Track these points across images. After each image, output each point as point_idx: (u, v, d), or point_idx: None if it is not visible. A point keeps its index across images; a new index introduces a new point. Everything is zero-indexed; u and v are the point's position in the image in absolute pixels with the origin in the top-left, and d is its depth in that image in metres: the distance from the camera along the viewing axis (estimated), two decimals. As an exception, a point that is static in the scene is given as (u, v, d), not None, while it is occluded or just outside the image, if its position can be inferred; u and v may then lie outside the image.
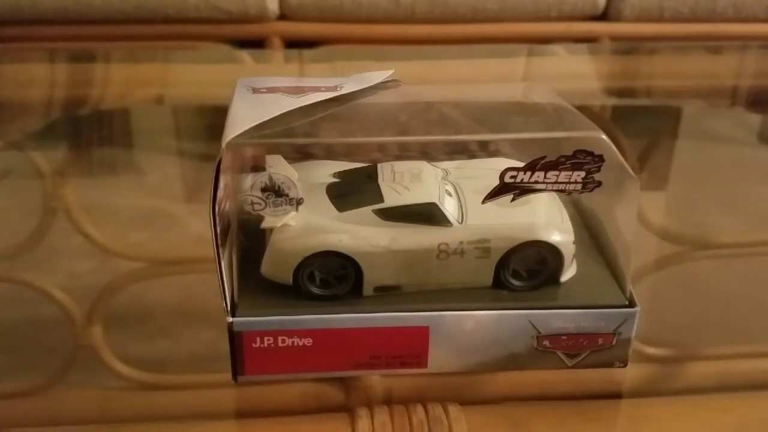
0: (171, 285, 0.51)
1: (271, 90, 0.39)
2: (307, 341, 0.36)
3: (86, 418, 0.38)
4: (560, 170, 0.34)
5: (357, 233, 0.37)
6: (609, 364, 0.38)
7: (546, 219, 0.38)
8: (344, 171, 0.40)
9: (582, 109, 0.39)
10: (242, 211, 0.36)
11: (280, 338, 0.36)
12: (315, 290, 0.37)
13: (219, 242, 0.34)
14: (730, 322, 0.46)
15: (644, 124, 0.80)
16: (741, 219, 0.60)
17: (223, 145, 0.33)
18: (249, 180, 0.35)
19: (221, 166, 0.33)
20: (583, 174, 0.34)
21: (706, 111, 0.86)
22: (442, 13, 1.51)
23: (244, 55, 1.21)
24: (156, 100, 0.84)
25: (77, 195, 0.62)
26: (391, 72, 0.42)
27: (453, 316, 0.36)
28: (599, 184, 0.35)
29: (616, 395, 0.40)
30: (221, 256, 0.34)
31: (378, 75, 0.42)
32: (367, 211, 0.37)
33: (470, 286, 0.38)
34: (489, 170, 0.37)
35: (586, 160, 0.34)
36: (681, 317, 0.45)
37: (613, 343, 0.37)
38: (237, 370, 0.36)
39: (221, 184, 0.33)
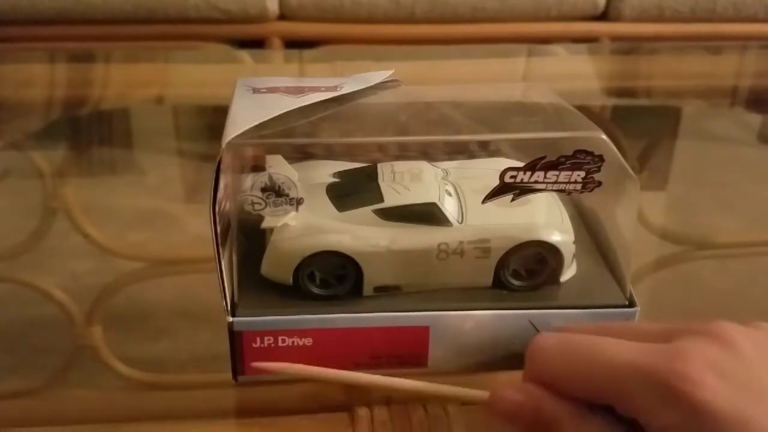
0: (171, 285, 0.51)
1: (271, 90, 0.39)
2: (307, 341, 0.36)
3: (86, 418, 0.38)
4: (560, 170, 0.34)
5: (357, 233, 0.37)
6: (609, 364, 0.38)
7: (546, 219, 0.38)
8: (344, 171, 0.40)
9: (582, 109, 0.39)
10: (242, 211, 0.36)
11: (280, 338, 0.36)
12: (315, 290, 0.37)
13: (219, 242, 0.34)
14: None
15: (644, 124, 0.80)
16: (741, 219, 0.60)
17: (223, 145, 0.33)
18: (249, 180, 0.35)
19: (221, 166, 0.33)
20: (583, 174, 0.34)
21: (706, 111, 0.86)
22: (442, 13, 1.51)
23: (244, 55, 1.21)
24: (156, 100, 0.84)
25: (77, 195, 0.62)
26: (391, 72, 0.42)
27: (453, 316, 0.36)
28: (599, 184, 0.35)
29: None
30: (221, 256, 0.34)
31: (378, 75, 0.42)
32: (367, 211, 0.37)
33: (470, 286, 0.38)
34: (489, 170, 0.37)
35: (586, 160, 0.34)
36: (681, 317, 0.45)
37: (613, 343, 0.37)
38: (237, 370, 0.36)
39: (221, 184, 0.33)
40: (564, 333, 0.33)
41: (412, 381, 0.35)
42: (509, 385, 0.32)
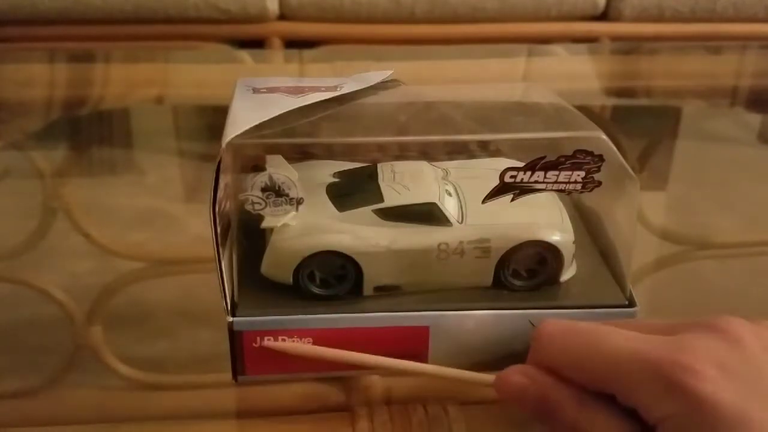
0: (171, 285, 0.51)
1: (271, 90, 0.39)
2: (307, 341, 0.36)
3: (86, 418, 0.38)
4: (560, 170, 0.34)
5: (357, 233, 0.37)
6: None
7: (546, 219, 0.38)
8: (344, 171, 0.40)
9: (582, 109, 0.39)
10: (242, 211, 0.36)
11: (280, 338, 0.36)
12: (315, 290, 0.37)
13: (219, 242, 0.34)
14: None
15: (644, 124, 0.80)
16: (741, 219, 0.60)
17: (223, 145, 0.33)
18: (249, 180, 0.35)
19: (221, 166, 0.33)
20: (583, 174, 0.34)
21: (706, 111, 0.86)
22: (442, 13, 1.51)
23: (244, 55, 1.21)
24: (156, 100, 0.84)
25: (77, 195, 0.62)
26: (391, 72, 0.42)
27: (453, 316, 0.36)
28: (599, 184, 0.35)
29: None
30: (221, 256, 0.34)
31: (378, 75, 0.42)
32: (367, 211, 0.37)
33: (470, 286, 0.38)
34: (489, 170, 0.37)
35: (586, 160, 0.34)
36: (681, 317, 0.45)
37: (613, 343, 0.37)
38: (237, 370, 0.36)
39: (221, 184, 0.33)
40: (569, 320, 0.33)
41: (421, 364, 0.36)
42: (515, 368, 0.33)
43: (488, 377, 0.34)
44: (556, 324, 0.33)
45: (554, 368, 0.32)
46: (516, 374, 0.32)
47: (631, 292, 0.37)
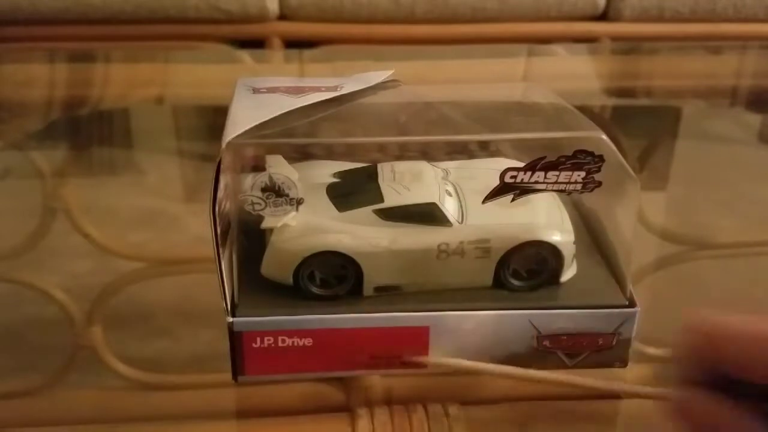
0: (171, 285, 0.51)
1: (271, 90, 0.39)
2: (307, 341, 0.36)
3: (86, 418, 0.39)
4: (560, 170, 0.34)
5: (357, 233, 0.37)
6: (609, 365, 0.38)
7: (546, 219, 0.38)
8: (344, 171, 0.40)
9: (582, 109, 0.39)
10: (242, 211, 0.36)
11: (280, 338, 0.36)
12: (315, 290, 0.37)
13: (219, 242, 0.34)
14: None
15: (644, 124, 0.80)
16: (741, 219, 0.60)
17: (223, 145, 0.33)
18: (249, 180, 0.35)
19: (221, 166, 0.33)
20: (583, 174, 0.34)
21: (706, 111, 0.86)
22: (442, 13, 1.51)
23: (244, 55, 1.21)
24: (156, 100, 0.84)
25: (77, 195, 0.62)
26: (391, 72, 0.42)
27: (453, 316, 0.36)
28: (599, 184, 0.35)
29: (616, 395, 0.40)
30: (221, 256, 0.34)
31: (378, 75, 0.42)
32: (367, 211, 0.37)
33: (470, 286, 0.38)
34: (489, 170, 0.37)
35: (586, 160, 0.34)
36: (681, 317, 0.45)
37: (613, 343, 0.37)
38: (237, 370, 0.36)
39: (221, 184, 0.33)
40: (715, 316, 0.30)
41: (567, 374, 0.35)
42: (685, 393, 0.29)
43: (656, 392, 0.33)
44: (708, 321, 0.29)
45: (725, 365, 0.28)
46: (690, 399, 0.29)
47: (631, 292, 0.37)
